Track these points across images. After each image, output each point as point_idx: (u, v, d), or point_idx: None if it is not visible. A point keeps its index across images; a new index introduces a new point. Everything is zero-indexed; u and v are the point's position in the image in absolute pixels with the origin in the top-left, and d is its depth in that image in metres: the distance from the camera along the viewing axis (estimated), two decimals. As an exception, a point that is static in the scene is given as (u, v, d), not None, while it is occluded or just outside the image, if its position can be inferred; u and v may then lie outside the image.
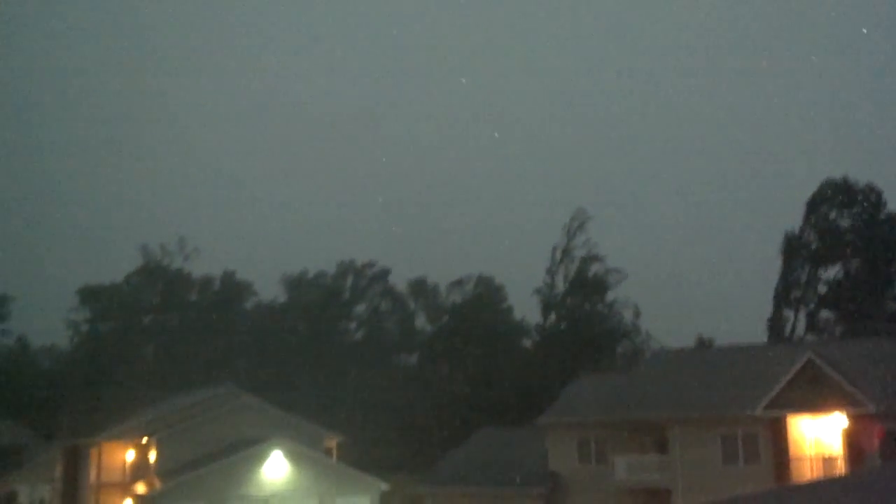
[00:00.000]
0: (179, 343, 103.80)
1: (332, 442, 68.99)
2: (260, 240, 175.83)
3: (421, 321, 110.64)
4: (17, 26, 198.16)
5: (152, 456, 62.44)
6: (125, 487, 63.21)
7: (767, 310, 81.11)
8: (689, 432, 40.61)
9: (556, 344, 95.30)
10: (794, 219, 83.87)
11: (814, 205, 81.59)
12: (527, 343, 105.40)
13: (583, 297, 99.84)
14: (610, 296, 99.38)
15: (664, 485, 40.45)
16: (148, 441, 62.93)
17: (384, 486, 64.42)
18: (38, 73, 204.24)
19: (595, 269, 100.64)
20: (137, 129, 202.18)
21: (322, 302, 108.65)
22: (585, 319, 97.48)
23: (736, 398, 40.17)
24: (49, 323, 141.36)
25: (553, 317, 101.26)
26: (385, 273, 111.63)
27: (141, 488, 60.71)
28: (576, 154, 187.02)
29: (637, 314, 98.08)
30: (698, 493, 36.43)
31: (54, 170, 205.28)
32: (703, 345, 79.43)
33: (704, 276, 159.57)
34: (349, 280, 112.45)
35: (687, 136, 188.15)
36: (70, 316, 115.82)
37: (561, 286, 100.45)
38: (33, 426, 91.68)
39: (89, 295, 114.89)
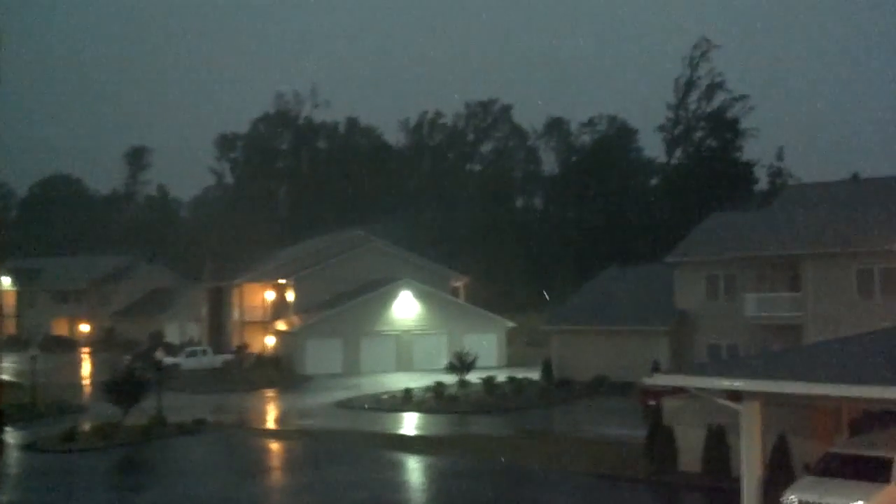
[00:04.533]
0: (310, 187, 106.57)
1: (460, 282, 70.48)
2: (384, 87, 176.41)
3: (550, 161, 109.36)
4: None
5: (290, 296, 65.44)
6: (266, 325, 66.79)
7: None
8: (824, 268, 39.27)
9: (684, 181, 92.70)
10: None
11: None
12: (656, 182, 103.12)
13: (709, 130, 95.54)
14: (741, 127, 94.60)
15: (795, 321, 39.63)
16: (286, 282, 65.83)
17: (510, 324, 65.99)
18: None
19: (721, 99, 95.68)
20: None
21: (446, 143, 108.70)
22: (714, 155, 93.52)
23: (877, 232, 38.27)
24: (188, 172, 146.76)
25: (679, 154, 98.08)
26: (508, 108, 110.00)
27: (281, 325, 64.03)
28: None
29: (778, 151, 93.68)
30: (832, 328, 35.40)
31: (188, 28, 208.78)
32: (856, 180, 74.36)
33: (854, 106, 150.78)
34: (473, 120, 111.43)
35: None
36: (209, 164, 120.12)
37: (687, 122, 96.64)
38: (179, 270, 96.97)
39: (226, 143, 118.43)
